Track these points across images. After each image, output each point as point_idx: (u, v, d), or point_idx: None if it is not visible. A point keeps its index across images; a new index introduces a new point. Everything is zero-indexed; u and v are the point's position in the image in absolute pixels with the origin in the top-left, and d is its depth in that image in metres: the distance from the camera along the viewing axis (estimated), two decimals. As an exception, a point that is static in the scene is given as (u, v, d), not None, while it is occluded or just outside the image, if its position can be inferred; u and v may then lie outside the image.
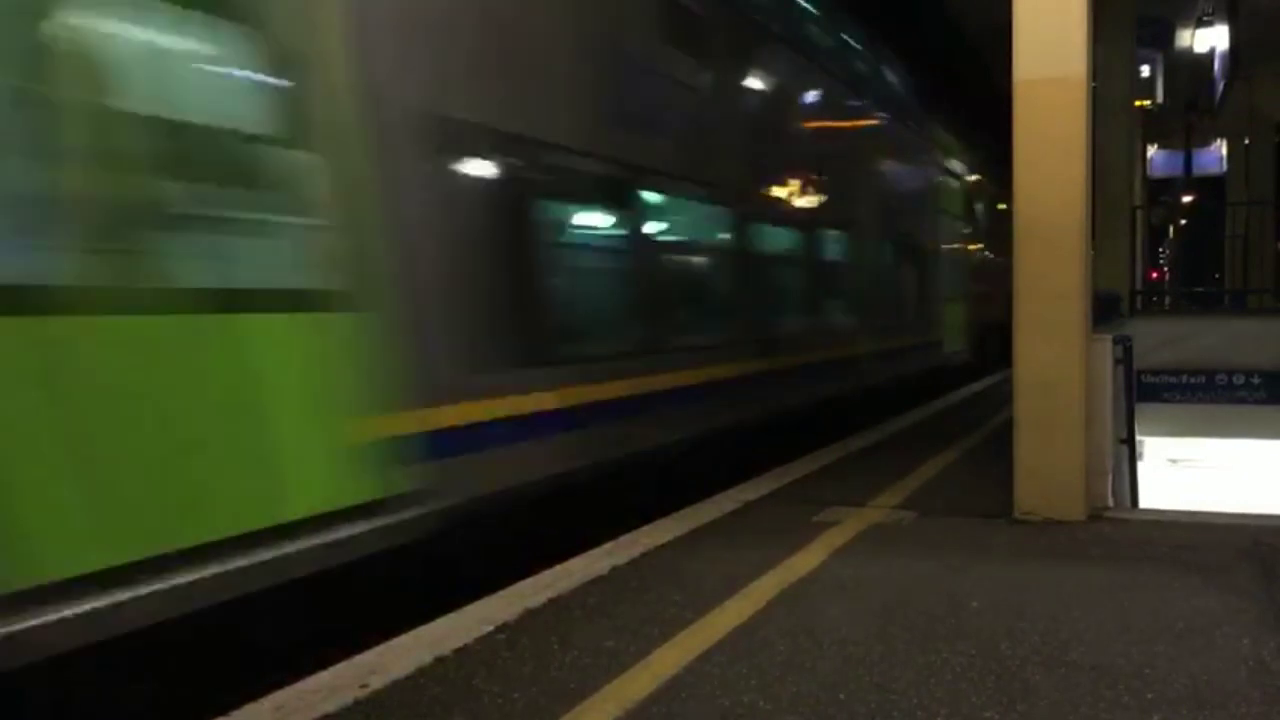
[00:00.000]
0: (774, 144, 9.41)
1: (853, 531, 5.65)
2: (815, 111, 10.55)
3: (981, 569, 4.86)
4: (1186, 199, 22.88)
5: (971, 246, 17.36)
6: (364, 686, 3.46)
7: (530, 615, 4.23)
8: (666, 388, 7.02)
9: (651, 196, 7.21)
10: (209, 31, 4.01)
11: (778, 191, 9.29)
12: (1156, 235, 23.13)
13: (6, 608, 3.16)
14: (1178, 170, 20.33)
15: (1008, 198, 6.21)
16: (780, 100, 9.70)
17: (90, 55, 3.56)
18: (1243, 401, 10.93)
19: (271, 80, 4.17)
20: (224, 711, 3.25)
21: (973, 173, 17.42)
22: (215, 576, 3.71)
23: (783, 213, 9.30)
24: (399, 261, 4.64)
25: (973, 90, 16.75)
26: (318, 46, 4.32)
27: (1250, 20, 13.78)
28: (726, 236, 8.30)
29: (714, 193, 7.99)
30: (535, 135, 5.73)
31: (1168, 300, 18.41)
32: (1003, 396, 8.04)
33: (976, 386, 15.13)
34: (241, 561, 3.81)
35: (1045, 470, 5.78)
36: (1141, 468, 8.45)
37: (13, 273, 3.28)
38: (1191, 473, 11.74)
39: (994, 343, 17.01)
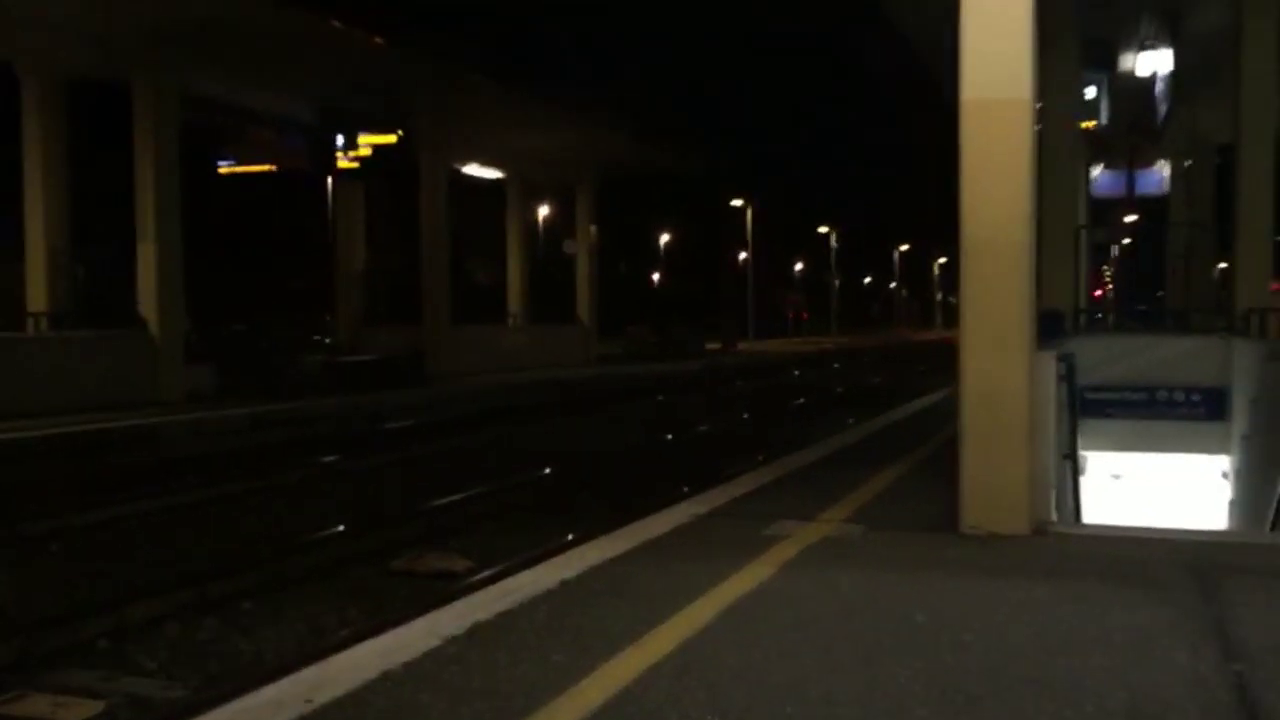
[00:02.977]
0: None
1: (802, 545, 5.68)
2: None
3: (927, 583, 4.92)
4: (1130, 219, 23.31)
5: None
6: (309, 702, 3.41)
7: (479, 629, 4.21)
8: None
9: None
10: None
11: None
12: (1100, 254, 23.52)
13: None
14: (1121, 191, 20.74)
15: None
16: None
17: None
18: (1183, 418, 11.17)
19: None
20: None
21: None
22: None
23: None
24: None
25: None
26: None
27: (1191, 45, 14.12)
28: None
29: None
30: None
31: (1111, 318, 18.77)
32: (948, 411, 8.21)
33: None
34: None
35: (990, 485, 5.85)
36: (1084, 483, 8.59)
37: None
38: (1133, 488, 11.94)
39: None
